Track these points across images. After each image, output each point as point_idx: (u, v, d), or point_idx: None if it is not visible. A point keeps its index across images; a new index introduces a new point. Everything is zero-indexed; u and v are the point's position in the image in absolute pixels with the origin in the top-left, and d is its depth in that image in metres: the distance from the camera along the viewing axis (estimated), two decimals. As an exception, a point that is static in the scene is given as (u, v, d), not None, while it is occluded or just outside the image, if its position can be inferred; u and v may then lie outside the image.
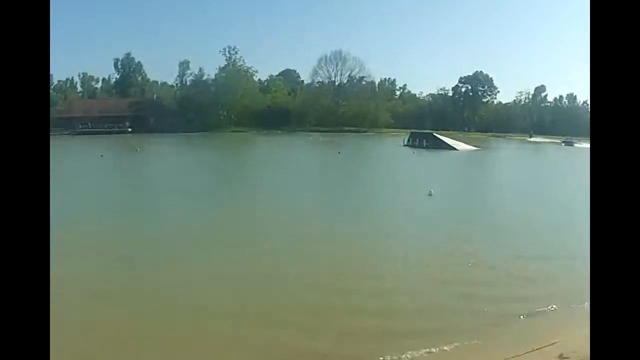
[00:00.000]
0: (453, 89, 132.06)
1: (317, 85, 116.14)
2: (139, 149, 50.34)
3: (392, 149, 59.34)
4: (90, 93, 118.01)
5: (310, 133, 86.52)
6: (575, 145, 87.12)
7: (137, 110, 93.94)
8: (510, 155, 60.24)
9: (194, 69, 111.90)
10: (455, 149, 59.58)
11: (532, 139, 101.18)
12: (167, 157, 46.09)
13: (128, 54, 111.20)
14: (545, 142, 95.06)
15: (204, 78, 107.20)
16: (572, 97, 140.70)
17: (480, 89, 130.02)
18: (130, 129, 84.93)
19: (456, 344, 8.19)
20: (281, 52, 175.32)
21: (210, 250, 13.73)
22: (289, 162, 42.23)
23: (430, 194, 22.65)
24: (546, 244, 14.99)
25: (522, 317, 9.40)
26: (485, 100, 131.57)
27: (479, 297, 10.23)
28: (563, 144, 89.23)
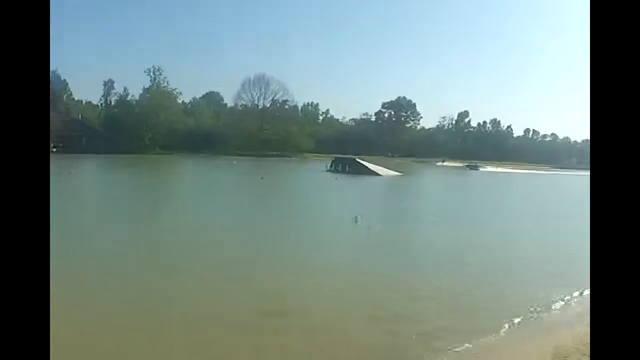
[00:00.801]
0: (376, 114, 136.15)
1: (241, 108, 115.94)
2: (72, 171, 46.98)
3: (315, 174, 58.89)
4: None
5: (235, 157, 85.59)
6: (480, 169, 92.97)
7: (63, 130, 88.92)
8: (431, 180, 62.25)
9: (118, 88, 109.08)
10: (377, 174, 60.33)
11: (444, 164, 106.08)
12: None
13: (54, 71, 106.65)
14: (460, 167, 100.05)
15: (129, 98, 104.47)
16: (495, 123, 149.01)
17: (403, 114, 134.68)
18: (60, 146, 78.47)
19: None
20: (205, 74, 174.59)
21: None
22: (215, 189, 40.82)
23: (356, 222, 22.04)
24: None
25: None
26: (408, 125, 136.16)
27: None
28: (467, 168, 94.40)
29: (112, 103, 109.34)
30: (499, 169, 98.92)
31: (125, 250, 15.55)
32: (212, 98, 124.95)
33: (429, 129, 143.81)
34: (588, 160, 4.00)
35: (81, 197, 30.62)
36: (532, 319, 10.54)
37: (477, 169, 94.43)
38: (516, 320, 10.26)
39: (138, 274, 12.96)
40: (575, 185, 60.40)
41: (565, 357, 8.24)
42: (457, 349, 8.66)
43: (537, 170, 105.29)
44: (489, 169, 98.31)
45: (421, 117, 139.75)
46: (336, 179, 52.42)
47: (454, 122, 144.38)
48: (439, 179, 67.04)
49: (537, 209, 34.05)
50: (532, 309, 11.04)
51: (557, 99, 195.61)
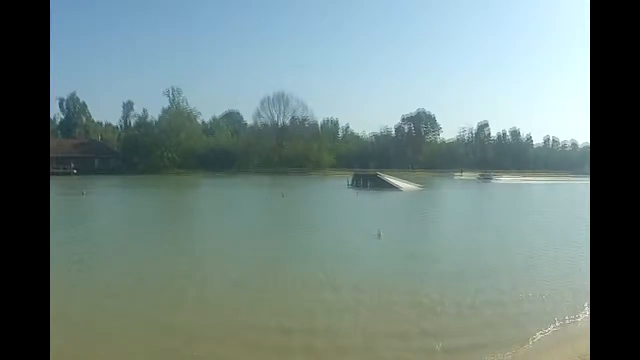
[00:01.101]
0: (396, 128, 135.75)
1: (261, 127, 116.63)
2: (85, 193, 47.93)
3: (336, 191, 58.74)
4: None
5: (254, 175, 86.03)
6: (494, 180, 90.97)
7: (82, 152, 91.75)
8: (448, 193, 61.84)
9: (138, 110, 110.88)
10: (398, 188, 59.92)
11: (462, 176, 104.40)
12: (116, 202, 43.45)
13: (73, 94, 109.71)
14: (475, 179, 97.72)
15: (148, 120, 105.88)
16: (515, 132, 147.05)
17: (423, 127, 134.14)
18: (75, 171, 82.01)
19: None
20: (224, 94, 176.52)
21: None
22: (235, 206, 40.89)
23: (379, 236, 21.96)
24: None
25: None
26: (428, 138, 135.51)
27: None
28: (481, 180, 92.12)
29: (132, 125, 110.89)
30: (515, 179, 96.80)
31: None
32: (232, 117, 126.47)
33: (449, 141, 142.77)
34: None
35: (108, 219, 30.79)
36: (556, 330, 10.45)
37: (490, 180, 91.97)
38: (542, 331, 10.21)
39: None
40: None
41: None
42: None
43: (556, 179, 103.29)
44: (504, 179, 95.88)
45: (441, 130, 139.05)
46: (357, 194, 52.32)
47: (474, 133, 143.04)
48: (453, 192, 66.17)
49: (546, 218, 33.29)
50: (556, 319, 10.93)
51: (579, 105, 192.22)
